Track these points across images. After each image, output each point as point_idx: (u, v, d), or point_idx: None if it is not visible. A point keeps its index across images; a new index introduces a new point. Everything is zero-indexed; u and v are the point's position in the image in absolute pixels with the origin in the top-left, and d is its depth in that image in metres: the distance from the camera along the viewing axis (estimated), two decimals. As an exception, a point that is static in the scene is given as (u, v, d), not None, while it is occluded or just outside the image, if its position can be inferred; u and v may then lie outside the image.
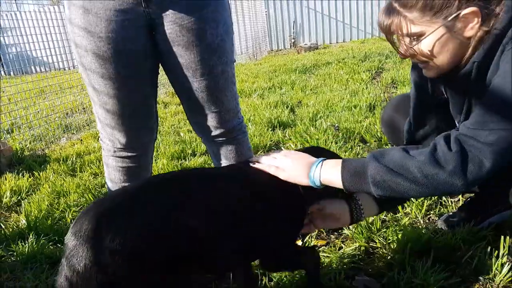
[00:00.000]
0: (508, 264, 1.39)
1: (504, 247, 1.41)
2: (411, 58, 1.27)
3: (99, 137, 1.68)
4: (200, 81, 1.50)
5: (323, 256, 1.57)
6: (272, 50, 13.18)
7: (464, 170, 1.03)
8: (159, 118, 3.80)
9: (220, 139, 1.67)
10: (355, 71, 6.17)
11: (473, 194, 1.76)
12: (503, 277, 1.37)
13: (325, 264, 1.50)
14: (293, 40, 13.41)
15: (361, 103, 3.93)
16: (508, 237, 1.44)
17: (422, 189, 1.07)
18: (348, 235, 1.77)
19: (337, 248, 1.65)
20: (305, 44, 11.69)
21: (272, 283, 1.49)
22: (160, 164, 2.71)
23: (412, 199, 1.83)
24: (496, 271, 1.39)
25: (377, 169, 1.09)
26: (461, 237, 1.59)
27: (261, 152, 3.01)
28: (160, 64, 1.57)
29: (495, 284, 1.38)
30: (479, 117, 1.07)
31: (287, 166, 1.21)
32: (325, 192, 1.28)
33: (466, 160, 1.04)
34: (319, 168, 1.18)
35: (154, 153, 3.04)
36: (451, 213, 1.78)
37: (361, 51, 8.78)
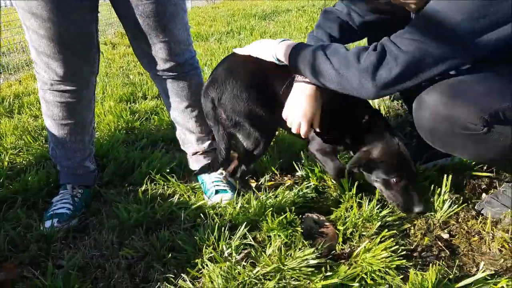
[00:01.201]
0: (449, 201, 1.47)
1: (446, 185, 1.49)
2: None
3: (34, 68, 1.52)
4: (145, 4, 1.37)
5: (276, 196, 1.58)
6: (230, -5, 12.58)
7: (374, 71, 1.14)
8: (104, 59, 3.49)
9: (171, 73, 1.56)
10: (314, 19, 6.07)
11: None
12: (444, 213, 1.46)
13: (277, 203, 1.51)
14: (252, -15, 12.84)
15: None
16: (450, 177, 1.52)
17: (338, 79, 1.22)
18: (301, 176, 1.79)
19: (290, 189, 1.66)
20: (265, -10, 11.25)
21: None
22: (107, 106, 2.55)
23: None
24: (438, 207, 1.48)
25: (316, 54, 1.26)
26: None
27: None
28: None
29: (436, 219, 1.47)
30: (408, 28, 1.14)
31: (257, 48, 1.47)
32: None
33: (381, 62, 1.14)
34: (278, 47, 1.40)
35: (100, 95, 2.88)
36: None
37: (321, -1, 8.62)
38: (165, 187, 1.71)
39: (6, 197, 1.66)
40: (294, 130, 1.42)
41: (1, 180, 1.76)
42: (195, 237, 1.34)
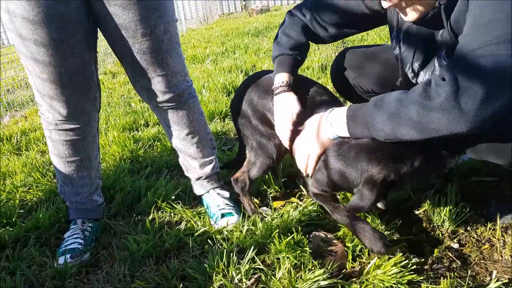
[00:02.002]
0: (456, 210, 1.48)
1: (451, 192, 1.50)
2: (395, 6, 1.24)
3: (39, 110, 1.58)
4: (141, 42, 1.42)
5: (281, 216, 1.61)
6: (223, 14, 12.79)
7: (457, 101, 0.95)
8: (105, 88, 3.57)
9: (170, 104, 1.61)
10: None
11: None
12: (452, 222, 1.46)
13: (283, 223, 1.53)
14: (244, 3, 13.06)
15: (313, 64, 3.95)
16: (455, 185, 1.53)
17: (419, 132, 1.04)
18: (305, 193, 1.81)
19: (295, 207, 1.69)
20: (257, 6, 11.45)
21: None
22: (111, 137, 2.60)
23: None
24: (445, 217, 1.48)
25: (378, 119, 1.13)
26: (411, 186, 1.67)
27: (217, 119, 2.97)
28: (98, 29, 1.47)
29: (444, 229, 1.48)
30: (467, 44, 1.00)
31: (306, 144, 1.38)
32: None
33: (458, 90, 0.95)
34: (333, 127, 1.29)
35: (104, 126, 2.93)
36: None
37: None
38: (172, 214, 1.74)
39: (19, 236, 1.69)
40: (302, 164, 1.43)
41: (13, 220, 1.80)
42: (205, 264, 1.36)
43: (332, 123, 1.29)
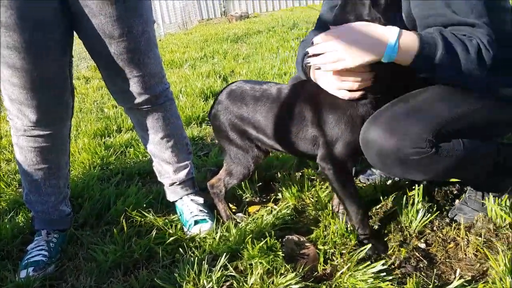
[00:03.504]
0: (422, 210, 1.50)
1: (418, 194, 1.52)
2: None
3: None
4: (118, 42, 1.38)
5: (255, 221, 1.58)
6: (202, 19, 12.76)
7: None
8: (78, 94, 3.47)
9: (146, 106, 1.57)
10: (285, 39, 6.20)
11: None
12: (418, 223, 1.48)
13: (257, 228, 1.50)
14: (223, 9, 13.09)
15: (291, 70, 3.98)
16: (422, 185, 1.55)
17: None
18: (280, 198, 1.80)
19: (270, 211, 1.66)
20: (236, 13, 11.47)
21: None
22: (81, 144, 2.52)
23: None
24: (412, 218, 1.49)
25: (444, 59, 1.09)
26: (380, 189, 1.69)
27: (194, 124, 2.93)
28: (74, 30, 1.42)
29: (411, 229, 1.48)
30: None
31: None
32: None
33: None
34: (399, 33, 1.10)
35: (75, 132, 2.84)
36: (370, 170, 1.88)
37: (290, 19, 8.82)
38: (143, 222, 1.69)
39: (-22, 249, 1.60)
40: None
41: (-27, 232, 1.70)
42: (175, 274, 1.32)
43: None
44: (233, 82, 1.67)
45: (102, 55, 1.42)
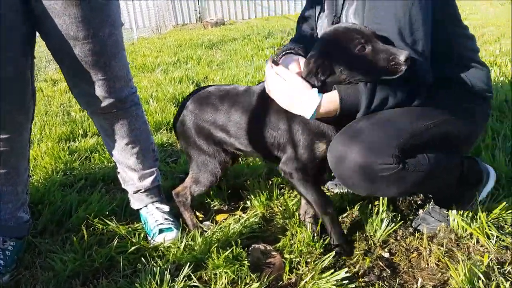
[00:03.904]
0: (387, 219, 1.52)
1: (383, 204, 1.55)
2: None
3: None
4: (83, 44, 1.34)
5: (222, 230, 1.56)
6: (177, 25, 12.65)
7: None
8: (44, 96, 3.34)
9: (110, 111, 1.52)
10: (260, 47, 6.23)
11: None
12: (383, 232, 1.50)
13: (223, 237, 1.48)
14: (199, 15, 13.04)
15: (264, 78, 3.98)
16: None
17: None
18: (249, 206, 1.78)
19: (238, 220, 1.65)
20: (212, 19, 11.46)
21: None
22: (44, 148, 2.42)
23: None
24: (377, 227, 1.52)
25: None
26: (347, 198, 1.71)
27: (163, 130, 2.88)
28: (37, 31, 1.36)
29: (376, 238, 1.51)
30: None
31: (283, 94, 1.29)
32: None
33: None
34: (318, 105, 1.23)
35: (38, 136, 2.73)
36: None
37: (265, 28, 8.90)
38: (105, 231, 1.63)
39: None
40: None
41: None
42: (136, 284, 1.28)
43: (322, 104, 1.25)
44: (200, 88, 1.66)
45: (66, 57, 1.37)
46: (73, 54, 1.35)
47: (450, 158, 1.35)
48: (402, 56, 1.15)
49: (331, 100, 1.23)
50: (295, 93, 1.25)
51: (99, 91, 1.45)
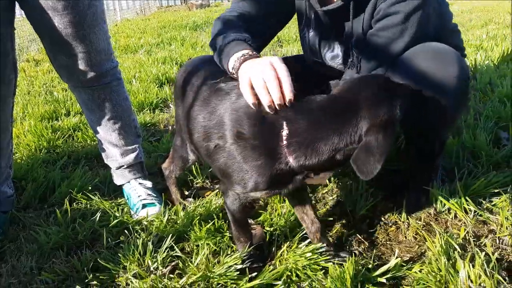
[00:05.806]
0: (367, 195, 1.57)
1: (362, 180, 1.60)
2: None
3: None
4: (62, 15, 1.33)
5: (204, 205, 1.60)
6: (162, 6, 12.43)
7: None
8: (27, 76, 3.29)
9: (91, 84, 1.52)
10: (245, 29, 6.19)
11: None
12: (362, 207, 1.55)
13: (205, 211, 1.53)
14: (184, -4, 12.81)
15: (248, 59, 3.98)
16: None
17: None
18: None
19: (220, 195, 1.69)
20: (197, 1, 11.28)
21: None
22: (27, 126, 2.40)
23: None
24: (356, 202, 1.56)
25: None
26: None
27: (146, 110, 2.88)
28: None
29: (356, 214, 1.55)
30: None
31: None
32: None
33: None
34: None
35: (21, 114, 2.70)
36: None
37: (252, 10, 8.82)
38: (88, 205, 1.65)
39: None
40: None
41: None
42: (119, 254, 1.31)
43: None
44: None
45: (46, 29, 1.37)
46: (53, 25, 1.35)
47: None
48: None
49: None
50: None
51: (80, 64, 1.45)
